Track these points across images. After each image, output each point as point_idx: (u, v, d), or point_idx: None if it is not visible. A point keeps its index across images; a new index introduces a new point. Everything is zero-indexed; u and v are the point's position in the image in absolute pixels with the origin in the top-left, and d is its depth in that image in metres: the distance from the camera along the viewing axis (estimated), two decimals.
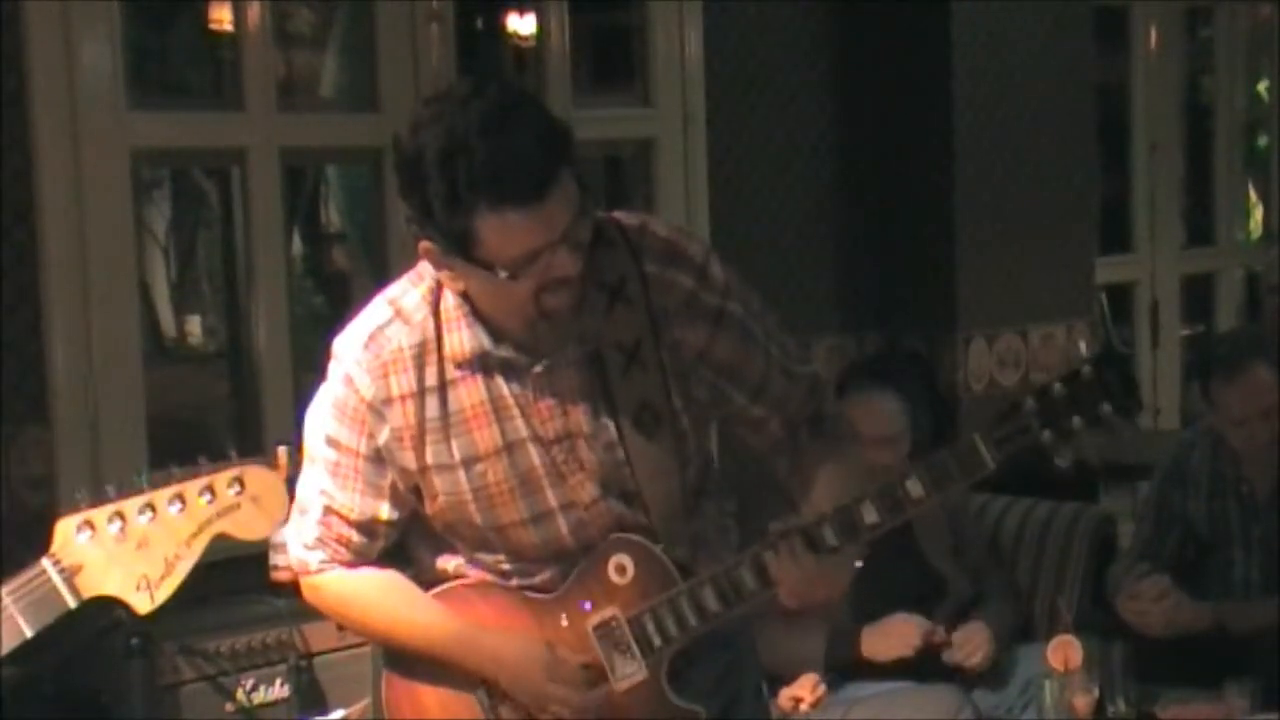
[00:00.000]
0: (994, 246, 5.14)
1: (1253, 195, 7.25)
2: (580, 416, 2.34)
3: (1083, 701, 3.39)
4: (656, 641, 2.38)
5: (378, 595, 2.46)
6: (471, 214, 2.14)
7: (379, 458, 2.36)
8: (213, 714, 3.33)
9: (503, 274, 2.18)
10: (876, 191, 5.13)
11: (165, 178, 5.63)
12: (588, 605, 2.40)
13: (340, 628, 2.66)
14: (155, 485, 2.04)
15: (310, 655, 3.43)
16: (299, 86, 5.04)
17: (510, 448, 2.33)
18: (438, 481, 2.35)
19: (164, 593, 2.01)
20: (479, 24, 5.53)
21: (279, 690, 3.40)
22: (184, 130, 4.12)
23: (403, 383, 2.32)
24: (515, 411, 2.33)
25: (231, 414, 4.30)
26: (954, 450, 2.29)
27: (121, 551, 1.99)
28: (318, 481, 2.42)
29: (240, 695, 3.36)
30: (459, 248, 2.19)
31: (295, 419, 4.16)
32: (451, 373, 2.33)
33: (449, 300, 2.32)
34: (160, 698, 3.28)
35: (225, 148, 4.16)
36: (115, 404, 3.75)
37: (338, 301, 6.13)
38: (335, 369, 2.37)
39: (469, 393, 2.33)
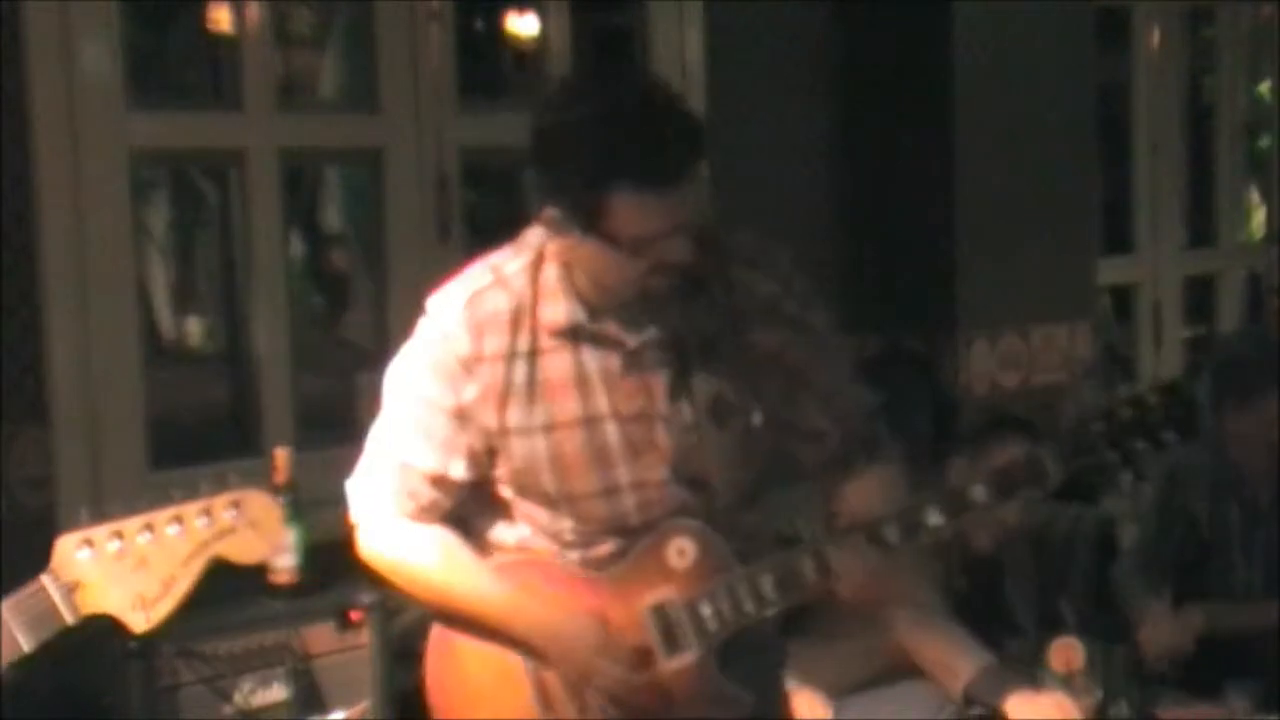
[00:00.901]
0: (995, 247, 5.13)
1: (1254, 196, 7.24)
2: (659, 398, 2.41)
3: (1084, 703, 3.38)
4: (712, 626, 2.43)
5: (437, 553, 2.50)
6: (609, 189, 2.24)
7: (461, 416, 2.41)
8: (211, 716, 3.32)
9: (623, 250, 2.27)
10: (877, 192, 5.12)
11: (164, 178, 5.62)
12: (644, 586, 2.44)
13: (390, 586, 2.64)
14: (154, 506, 2.06)
15: (309, 658, 3.43)
16: (299, 87, 5.03)
17: (589, 421, 2.40)
18: (515, 445, 2.41)
19: (159, 613, 2.05)
20: (479, 24, 5.52)
21: (278, 693, 3.39)
22: (183, 131, 4.11)
23: (496, 344, 2.39)
24: (599, 387, 2.40)
25: (230, 414, 4.29)
26: (1019, 462, 2.39)
27: (120, 570, 2.02)
28: (395, 434, 2.48)
29: (239, 698, 3.35)
30: (586, 219, 2.28)
31: (295, 419, 4.17)
32: (543, 342, 2.40)
33: (549, 273, 2.41)
34: (159, 700, 3.27)
35: (224, 148, 4.15)
36: (115, 404, 3.74)
37: (337, 301, 6.12)
38: (430, 325, 2.44)
39: (557, 363, 2.40)
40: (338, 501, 4.02)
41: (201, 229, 5.78)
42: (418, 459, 2.46)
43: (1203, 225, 6.73)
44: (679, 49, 4.71)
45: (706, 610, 2.43)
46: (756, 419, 2.45)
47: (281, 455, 3.61)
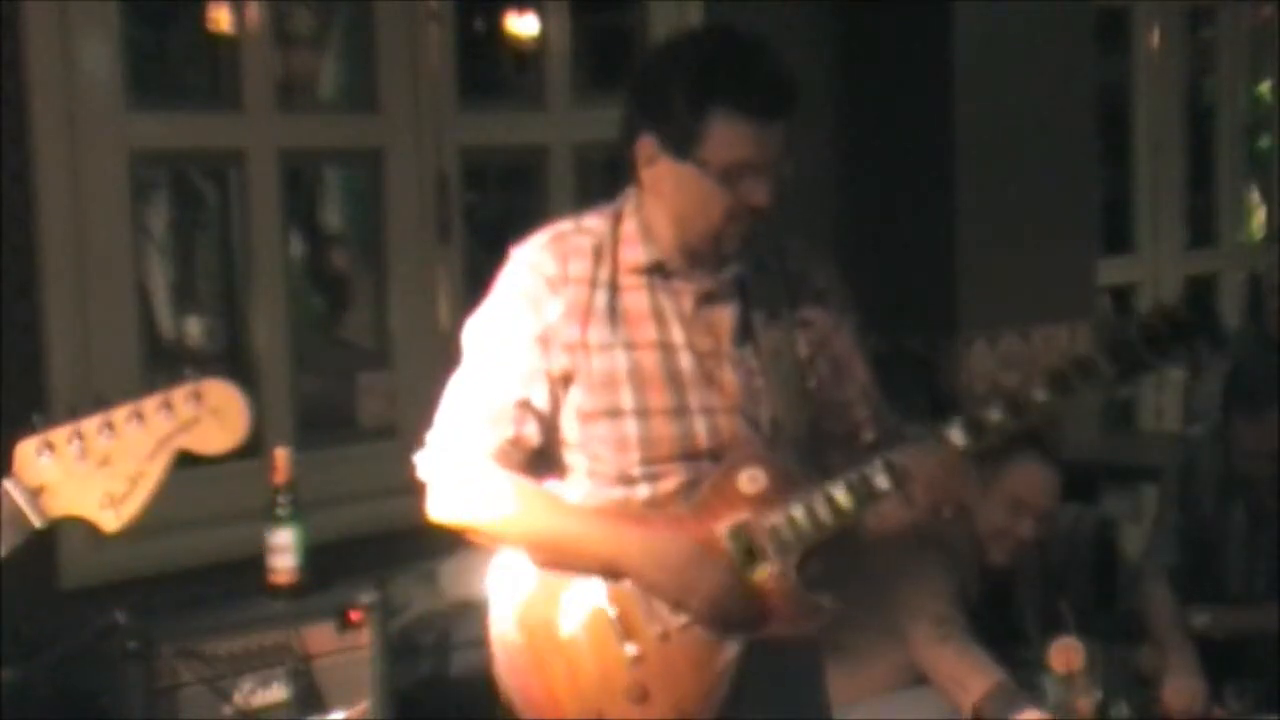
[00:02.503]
0: (995, 247, 5.14)
1: (1255, 196, 7.24)
2: (726, 340, 2.56)
3: (1084, 703, 3.38)
4: (789, 538, 2.52)
5: (526, 491, 2.55)
6: (710, 113, 2.41)
7: (544, 340, 2.51)
8: (211, 717, 3.32)
9: (714, 179, 2.43)
10: (877, 192, 5.12)
11: (164, 179, 5.61)
12: (720, 515, 2.53)
13: (467, 535, 2.67)
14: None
15: (309, 658, 3.42)
16: (298, 87, 5.02)
17: (665, 347, 2.53)
18: (596, 361, 2.51)
19: (129, 509, 2.00)
20: (479, 24, 5.51)
21: (277, 693, 3.39)
22: (183, 131, 4.11)
23: (579, 270, 2.53)
24: (674, 321, 2.54)
25: None
26: (1073, 361, 2.53)
27: (83, 471, 1.98)
28: (482, 371, 2.55)
29: (239, 698, 3.35)
30: (682, 144, 2.44)
31: (294, 419, 4.17)
32: (623, 279, 2.54)
33: (629, 224, 2.56)
34: (158, 700, 3.27)
35: (224, 148, 4.15)
36: (115, 404, 3.74)
37: (337, 302, 6.11)
38: (513, 265, 2.57)
39: (635, 298, 2.54)
40: (338, 501, 4.05)
41: (201, 229, 5.77)
42: (504, 390, 2.52)
43: (1203, 225, 6.73)
44: None
45: (783, 525, 2.52)
46: (811, 382, 2.60)
47: (281, 455, 3.61)
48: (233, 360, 4.43)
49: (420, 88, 4.29)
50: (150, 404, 1.99)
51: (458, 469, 2.55)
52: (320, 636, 3.46)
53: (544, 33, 4.64)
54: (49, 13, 3.65)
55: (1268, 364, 4.14)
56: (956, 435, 2.52)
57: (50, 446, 1.98)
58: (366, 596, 3.47)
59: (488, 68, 5.42)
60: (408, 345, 4.34)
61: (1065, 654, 3.38)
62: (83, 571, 3.65)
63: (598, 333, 2.51)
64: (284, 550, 3.56)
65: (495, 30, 5.40)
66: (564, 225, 2.59)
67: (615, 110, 4.91)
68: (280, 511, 3.57)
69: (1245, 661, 3.77)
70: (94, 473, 1.98)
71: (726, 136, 2.42)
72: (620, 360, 2.51)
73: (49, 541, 3.62)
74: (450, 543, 3.99)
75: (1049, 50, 5.26)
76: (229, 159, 4.16)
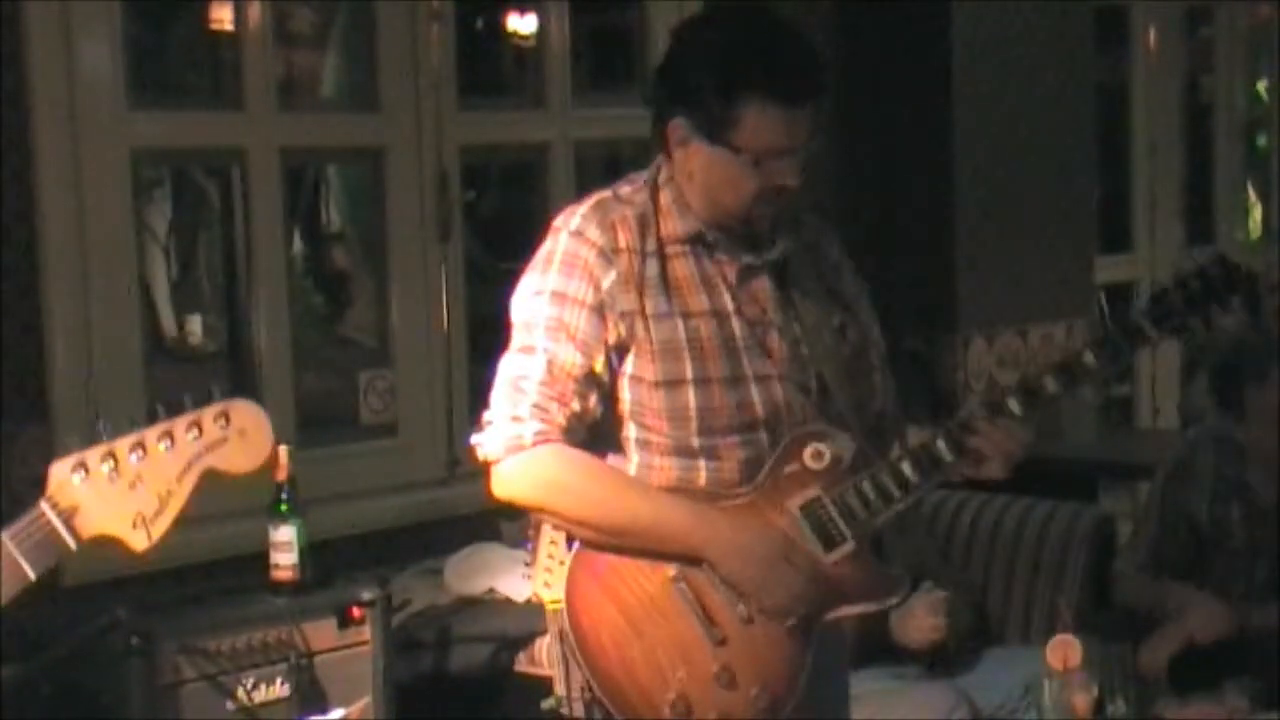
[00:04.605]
0: (994, 246, 5.15)
1: (1252, 194, 7.25)
2: (770, 309, 2.58)
3: (1082, 701, 3.38)
4: (861, 514, 2.53)
5: (598, 468, 2.54)
6: (742, 100, 2.43)
7: (601, 309, 2.50)
8: (213, 713, 3.32)
9: (745, 162, 2.45)
10: (876, 191, 5.13)
11: (165, 177, 5.62)
12: (788, 494, 2.53)
13: (532, 515, 2.62)
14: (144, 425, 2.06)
15: (310, 654, 3.43)
16: (299, 86, 5.02)
17: (718, 314, 2.54)
18: (655, 330, 2.51)
19: (159, 529, 2.03)
20: (479, 24, 5.52)
21: (279, 689, 3.39)
22: (184, 130, 4.12)
23: (627, 240, 2.52)
24: (722, 289, 2.55)
25: None
26: (1119, 325, 2.57)
27: (116, 491, 2.01)
28: (539, 343, 2.51)
29: (240, 694, 3.35)
30: (713, 129, 2.46)
31: (295, 418, 4.18)
32: (668, 248, 2.55)
33: (665, 196, 2.56)
34: (160, 697, 3.27)
35: (225, 147, 4.16)
36: (115, 404, 3.75)
37: (338, 300, 6.12)
38: (558, 233, 2.55)
39: (683, 265, 2.55)
40: (339, 498, 4.06)
41: (203, 228, 5.78)
42: (565, 360, 2.49)
43: (1201, 223, 6.74)
44: None
45: (854, 500, 2.53)
46: (847, 350, 2.63)
47: (283, 452, 3.62)
48: (234, 358, 4.44)
49: (420, 87, 4.29)
50: (180, 425, 2.03)
51: (525, 447, 2.49)
52: (321, 633, 3.46)
53: (544, 32, 4.64)
54: (50, 12, 3.65)
55: (1269, 335, 4.13)
56: (1015, 405, 2.55)
57: (84, 467, 2.01)
58: (368, 593, 3.48)
59: (488, 67, 5.43)
60: (408, 343, 4.35)
61: (1063, 651, 3.39)
62: (84, 568, 3.65)
63: (653, 302, 2.51)
64: (285, 547, 3.56)
65: (495, 30, 5.41)
66: (603, 194, 2.58)
67: (615, 109, 4.93)
68: (282, 508, 3.58)
69: (1246, 659, 3.77)
70: (126, 493, 2.01)
71: (759, 123, 2.44)
72: (680, 329, 2.51)
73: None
74: (451, 540, 4.02)
75: (1047, 49, 5.27)
76: (230, 158, 4.17)
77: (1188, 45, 6.66)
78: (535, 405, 2.49)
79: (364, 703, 3.41)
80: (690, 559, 2.51)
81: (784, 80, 2.45)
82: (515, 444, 2.49)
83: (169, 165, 5.03)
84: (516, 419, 2.49)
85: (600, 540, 2.53)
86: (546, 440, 2.49)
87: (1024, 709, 3.74)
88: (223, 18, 4.39)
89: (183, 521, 3.94)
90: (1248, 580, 3.97)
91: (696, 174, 2.52)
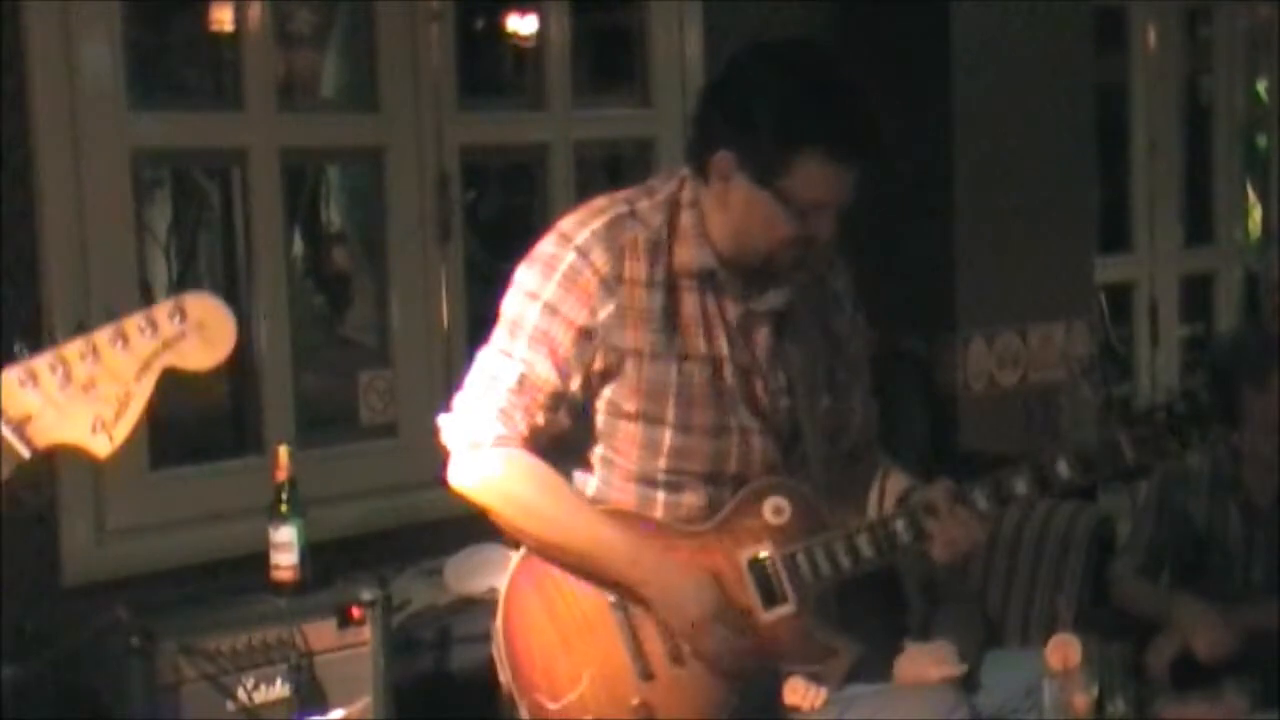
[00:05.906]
0: (993, 246, 5.14)
1: (1251, 195, 7.24)
2: (761, 356, 2.53)
3: (1081, 700, 3.39)
4: (808, 579, 2.52)
5: (550, 483, 2.51)
6: (802, 152, 2.38)
7: (591, 335, 2.46)
8: (213, 713, 3.33)
9: (789, 209, 2.41)
10: (875, 192, 5.11)
11: (165, 177, 5.63)
12: (740, 542, 2.52)
13: (486, 517, 2.62)
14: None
15: (310, 654, 3.43)
16: (299, 86, 5.03)
17: (714, 359, 2.51)
18: (647, 369, 2.47)
19: (121, 432, 1.95)
20: (479, 24, 5.53)
21: (279, 689, 3.40)
22: (184, 130, 4.12)
23: (636, 269, 2.47)
24: (719, 331, 2.51)
25: (232, 413, 4.30)
26: (1101, 443, 2.57)
27: (68, 397, 1.92)
28: (518, 350, 2.49)
29: (241, 694, 3.36)
30: (764, 173, 2.40)
31: (295, 417, 4.18)
32: (677, 280, 2.49)
33: (685, 219, 2.51)
34: (160, 697, 3.28)
35: (226, 148, 4.16)
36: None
37: (338, 300, 6.13)
38: (564, 244, 2.48)
39: (688, 301, 2.50)
40: (339, 499, 4.06)
41: (203, 228, 5.79)
42: (539, 376, 2.47)
43: (1200, 224, 6.73)
44: (679, 49, 4.72)
45: (804, 564, 2.52)
46: (826, 401, 2.62)
47: (283, 453, 3.63)
48: (233, 359, 4.44)
49: (420, 87, 4.29)
50: (132, 324, 1.94)
51: (485, 445, 2.49)
52: (321, 633, 3.47)
53: (544, 32, 4.64)
54: (50, 12, 3.66)
55: (1266, 336, 4.13)
56: (981, 500, 2.54)
57: (33, 375, 1.92)
58: (368, 593, 3.49)
59: (488, 67, 5.43)
60: (408, 343, 4.35)
61: (1062, 650, 3.39)
62: (84, 568, 3.66)
63: (650, 339, 2.47)
64: (285, 547, 3.57)
65: (495, 30, 5.41)
66: (619, 209, 2.51)
67: (616, 110, 4.93)
68: (282, 508, 3.58)
69: (1245, 658, 3.77)
70: (79, 398, 1.93)
71: (813, 177, 2.41)
72: (673, 372, 2.48)
73: (51, 538, 3.63)
74: (451, 540, 4.02)
75: (1047, 49, 5.27)
76: (230, 158, 4.18)
77: (1187, 45, 6.66)
78: (501, 410, 2.49)
79: (364, 703, 3.41)
80: (628, 595, 2.51)
81: (846, 140, 2.41)
82: (473, 441, 2.50)
83: (169, 165, 5.03)
84: (481, 416, 2.49)
85: (542, 553, 2.54)
86: (504, 444, 2.49)
87: (1026, 709, 3.74)
88: (223, 18, 4.39)
89: (183, 522, 3.95)
90: (1245, 581, 3.98)
91: (733, 210, 2.47)
